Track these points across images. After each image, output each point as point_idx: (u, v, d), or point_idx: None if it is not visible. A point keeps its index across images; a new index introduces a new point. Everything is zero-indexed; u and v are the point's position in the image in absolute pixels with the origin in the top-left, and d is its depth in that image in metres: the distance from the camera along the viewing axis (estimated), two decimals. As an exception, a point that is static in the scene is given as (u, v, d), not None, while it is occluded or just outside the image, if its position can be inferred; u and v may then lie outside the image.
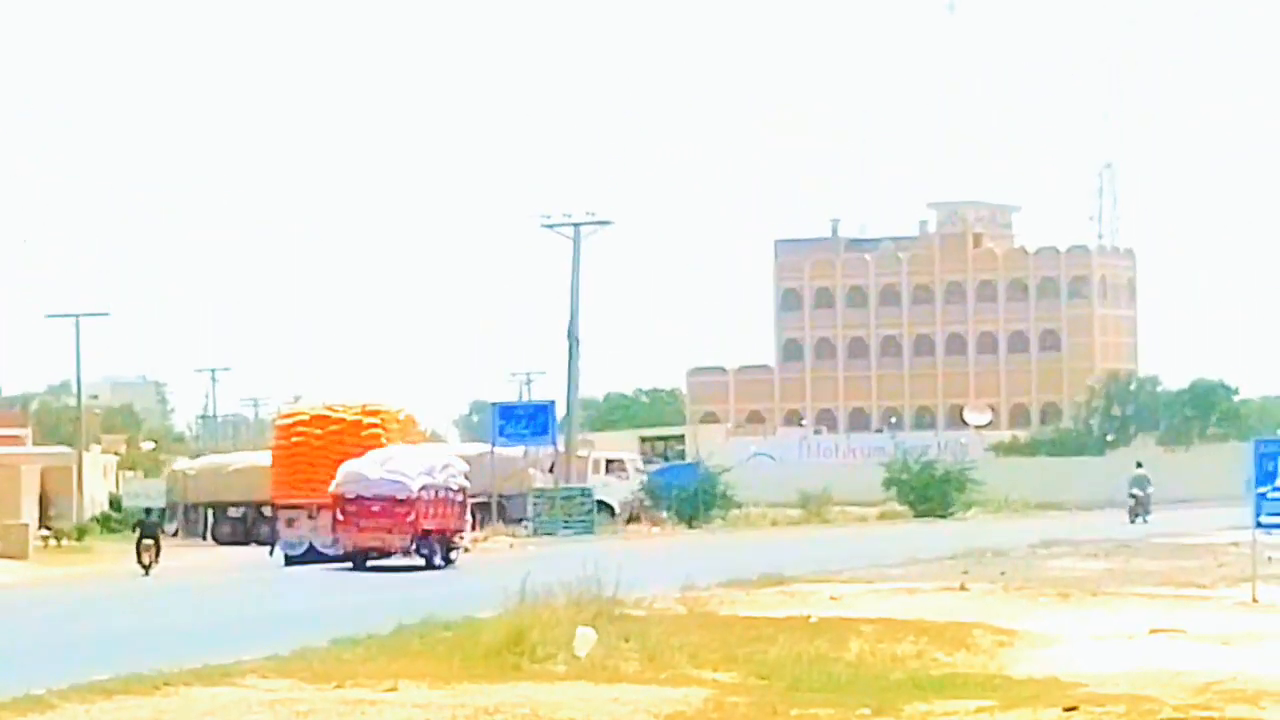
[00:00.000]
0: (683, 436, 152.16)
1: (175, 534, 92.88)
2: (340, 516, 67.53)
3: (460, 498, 73.53)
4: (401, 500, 65.72)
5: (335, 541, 66.58)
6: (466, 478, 76.92)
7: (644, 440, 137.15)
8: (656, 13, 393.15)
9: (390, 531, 66.18)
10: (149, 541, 70.11)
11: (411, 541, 66.99)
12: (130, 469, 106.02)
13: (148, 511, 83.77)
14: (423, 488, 68.78)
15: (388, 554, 68.42)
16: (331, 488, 69.29)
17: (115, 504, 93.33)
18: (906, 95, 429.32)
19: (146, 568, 69.04)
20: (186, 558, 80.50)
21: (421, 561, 67.66)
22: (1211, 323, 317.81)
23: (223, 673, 23.53)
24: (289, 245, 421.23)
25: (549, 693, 21.35)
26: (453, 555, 70.61)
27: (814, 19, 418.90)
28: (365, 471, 68.66)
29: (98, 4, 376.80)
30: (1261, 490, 37.35)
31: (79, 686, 21.58)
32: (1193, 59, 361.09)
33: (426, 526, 67.26)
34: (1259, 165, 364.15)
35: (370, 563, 67.04)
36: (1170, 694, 21.01)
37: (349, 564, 68.08)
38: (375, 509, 65.65)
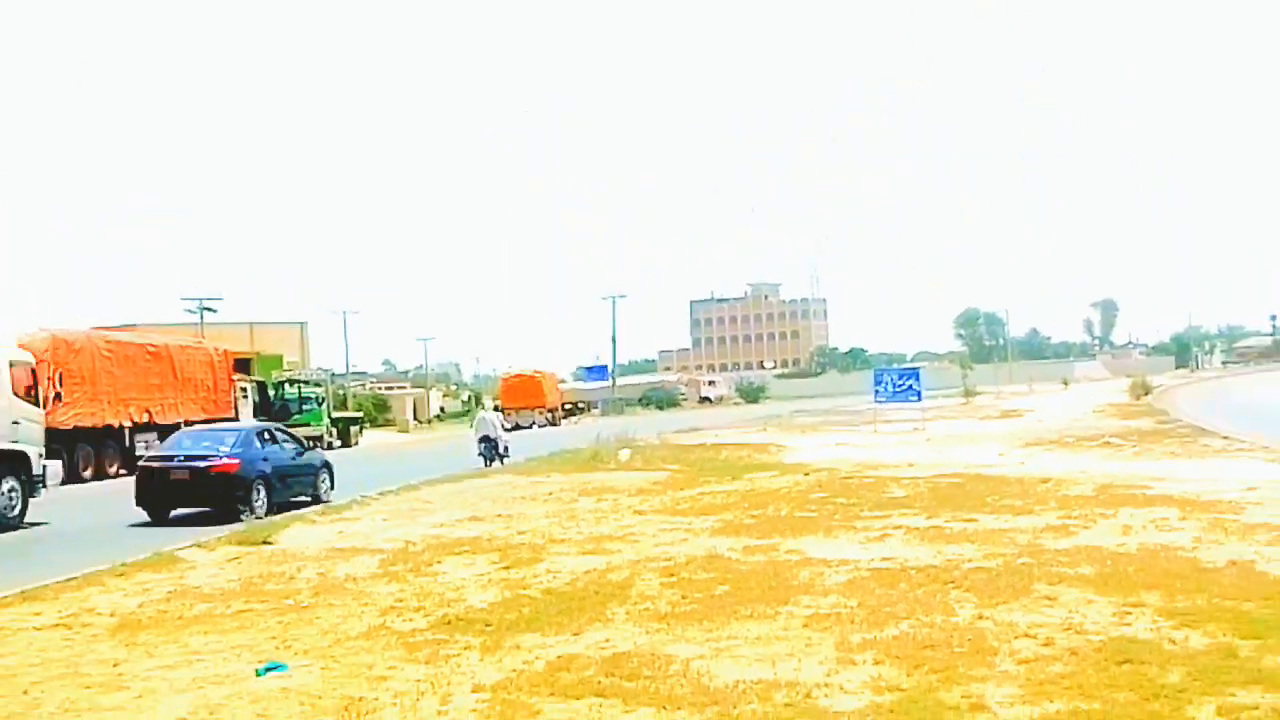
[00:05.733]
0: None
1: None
2: None
3: None
4: None
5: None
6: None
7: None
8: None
9: None
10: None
11: None
12: (449, 397, 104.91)
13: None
14: None
15: None
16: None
17: (441, 411, 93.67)
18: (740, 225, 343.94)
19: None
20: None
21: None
22: (861, 325, 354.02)
23: (483, 474, 27.48)
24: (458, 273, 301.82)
25: (607, 476, 25.11)
26: None
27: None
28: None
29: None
30: (877, 387, 42.47)
31: (408, 485, 25.15)
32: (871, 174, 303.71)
33: None
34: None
35: None
36: (845, 467, 25.09)
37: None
38: None
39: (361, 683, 8.06)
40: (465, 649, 8.98)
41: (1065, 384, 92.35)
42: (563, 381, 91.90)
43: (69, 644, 9.88)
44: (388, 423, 71.57)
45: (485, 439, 33.48)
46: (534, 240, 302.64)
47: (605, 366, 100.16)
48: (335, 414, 52.97)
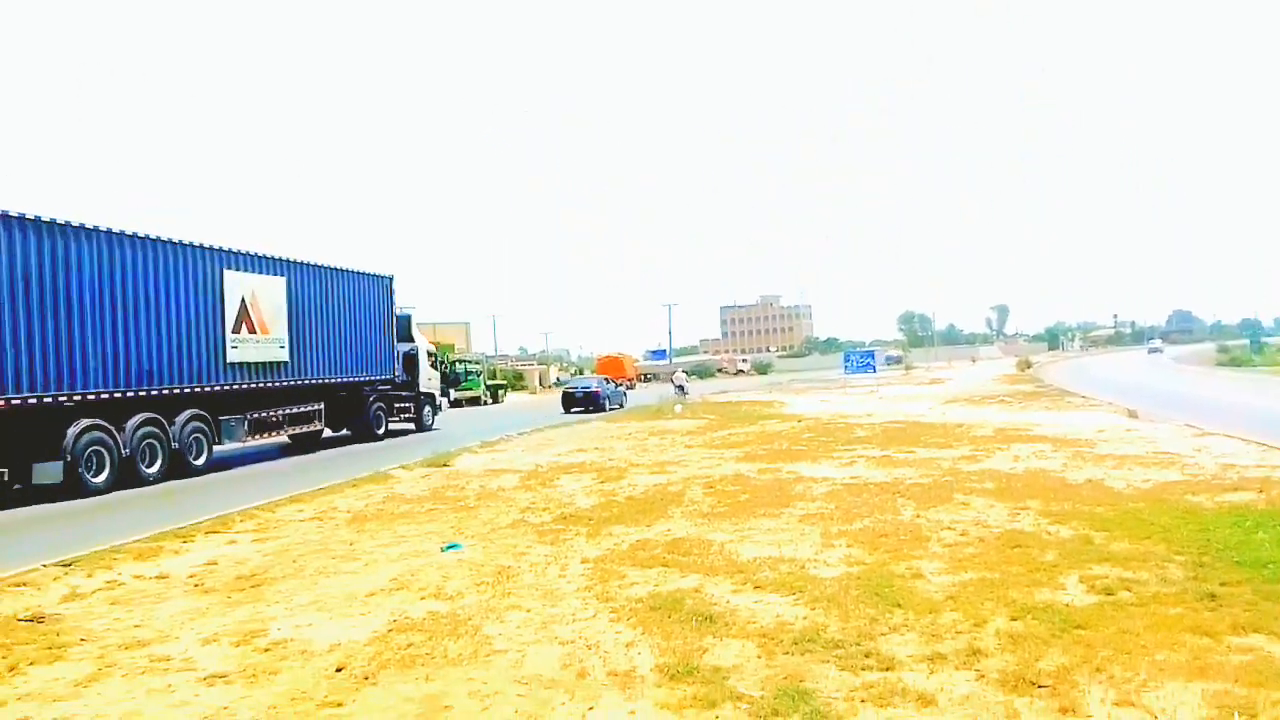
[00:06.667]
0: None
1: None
2: None
3: None
4: None
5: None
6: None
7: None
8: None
9: None
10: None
11: None
12: (562, 372, 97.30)
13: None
14: None
15: None
16: None
17: (558, 380, 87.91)
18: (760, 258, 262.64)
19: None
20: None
21: None
22: (835, 321, 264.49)
23: (584, 421, 27.15)
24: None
25: (667, 423, 24.61)
26: None
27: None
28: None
29: None
30: (846, 363, 41.55)
31: (537, 428, 25.00)
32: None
33: None
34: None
35: None
36: (825, 416, 24.48)
37: None
38: None
39: (509, 556, 8.13)
40: (576, 535, 9.03)
41: (973, 361, 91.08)
42: (637, 360, 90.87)
43: (320, 530, 10.07)
44: (522, 388, 70.63)
45: (679, 386, 40.91)
46: (612, 257, 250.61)
47: (665, 350, 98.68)
48: (489, 382, 53.48)
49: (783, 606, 6.05)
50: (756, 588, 6.56)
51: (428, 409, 27.12)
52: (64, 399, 14.24)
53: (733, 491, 11.35)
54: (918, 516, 9.11)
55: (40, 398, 13.84)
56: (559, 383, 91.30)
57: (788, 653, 5.09)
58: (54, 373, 14.09)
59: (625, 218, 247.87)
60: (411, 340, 26.30)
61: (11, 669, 5.47)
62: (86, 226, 14.72)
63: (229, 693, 4.94)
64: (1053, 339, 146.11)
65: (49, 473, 13.99)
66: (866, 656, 4.98)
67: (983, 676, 4.66)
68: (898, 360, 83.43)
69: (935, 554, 7.42)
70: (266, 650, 5.64)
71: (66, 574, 8.13)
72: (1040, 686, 4.47)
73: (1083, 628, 5.31)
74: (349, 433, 23.45)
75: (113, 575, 8.05)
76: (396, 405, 25.38)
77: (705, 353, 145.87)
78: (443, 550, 8.51)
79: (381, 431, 24.16)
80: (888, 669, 4.80)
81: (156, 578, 7.94)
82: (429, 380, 27.39)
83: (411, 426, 26.27)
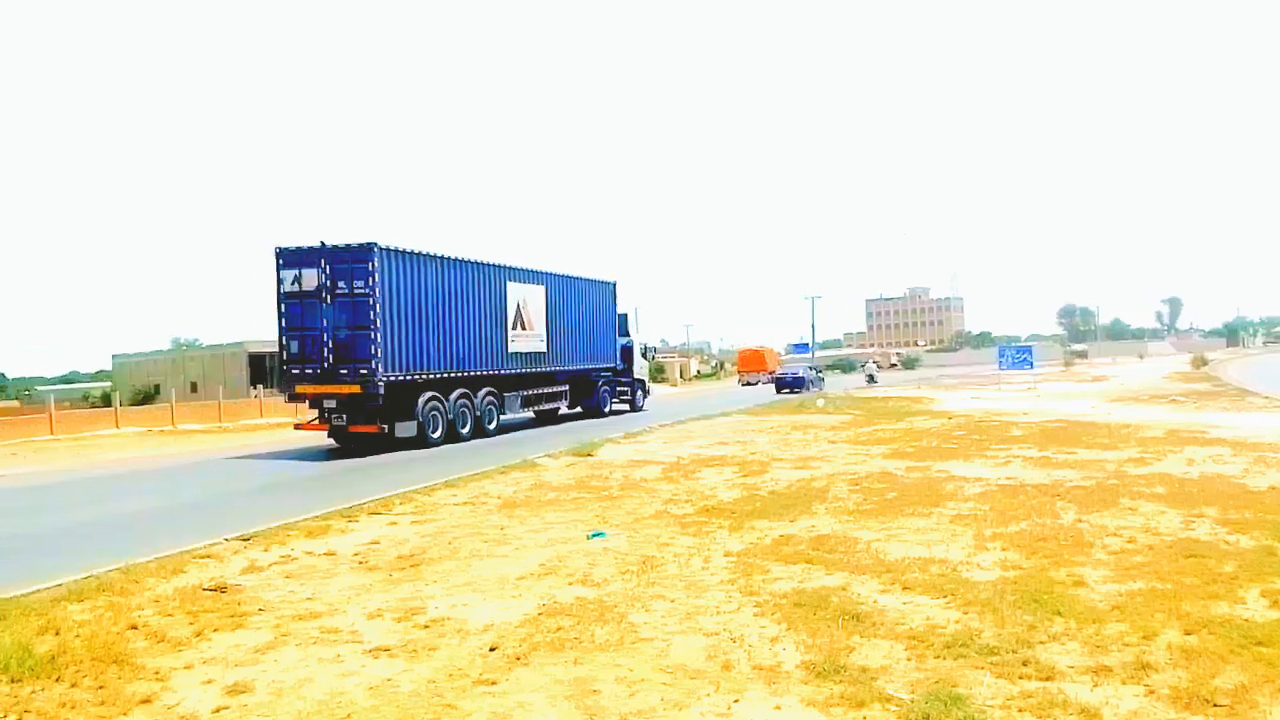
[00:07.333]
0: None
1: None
2: None
3: None
4: None
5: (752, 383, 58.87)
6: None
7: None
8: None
9: None
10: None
11: None
12: (703, 364, 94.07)
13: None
14: None
15: None
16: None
17: (698, 372, 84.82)
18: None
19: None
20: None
21: None
22: (988, 314, 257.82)
23: (724, 414, 26.67)
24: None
25: (810, 417, 24.31)
26: None
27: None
28: None
29: None
30: (1001, 359, 40.02)
31: (678, 421, 24.97)
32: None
33: None
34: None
35: None
36: (978, 414, 23.63)
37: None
38: None
39: (653, 547, 8.23)
40: (718, 528, 9.05)
41: (1141, 358, 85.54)
42: (780, 354, 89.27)
43: (473, 514, 10.45)
44: (664, 380, 71.14)
45: (870, 376, 46.03)
46: (754, 249, 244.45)
47: (807, 344, 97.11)
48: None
49: (933, 609, 5.90)
50: (905, 588, 6.42)
51: (639, 393, 31.53)
52: (416, 377, 19.49)
53: (880, 489, 11.13)
54: (1080, 521, 8.68)
55: (403, 376, 19.09)
56: (699, 375, 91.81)
57: (939, 656, 4.97)
58: (409, 359, 19.27)
59: (775, 210, 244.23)
60: (628, 335, 30.47)
61: (198, 634, 5.95)
62: (429, 253, 19.62)
63: (392, 665, 5.21)
64: (1232, 334, 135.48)
65: (407, 429, 19.35)
66: (1024, 665, 4.80)
67: (1152, 692, 4.42)
68: (1083, 355, 79.16)
69: (1099, 561, 7.06)
70: (426, 627, 5.93)
71: (246, 548, 8.77)
72: (1216, 705, 4.21)
73: (1264, 644, 4.96)
74: (580, 410, 28.12)
75: (286, 551, 8.64)
76: (618, 389, 30.08)
77: (849, 346, 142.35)
78: (588, 538, 8.70)
79: (607, 410, 29.00)
80: (1047, 679, 4.62)
81: (325, 554, 8.47)
82: (641, 369, 31.79)
83: (627, 407, 30.58)
